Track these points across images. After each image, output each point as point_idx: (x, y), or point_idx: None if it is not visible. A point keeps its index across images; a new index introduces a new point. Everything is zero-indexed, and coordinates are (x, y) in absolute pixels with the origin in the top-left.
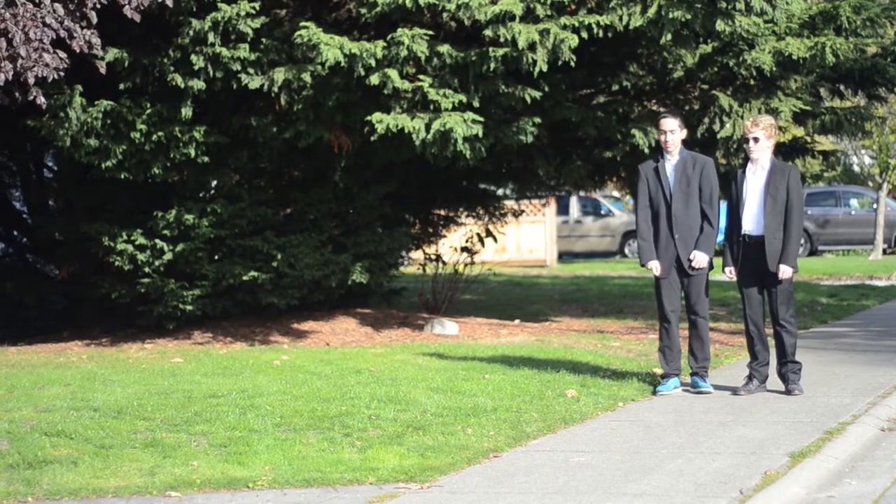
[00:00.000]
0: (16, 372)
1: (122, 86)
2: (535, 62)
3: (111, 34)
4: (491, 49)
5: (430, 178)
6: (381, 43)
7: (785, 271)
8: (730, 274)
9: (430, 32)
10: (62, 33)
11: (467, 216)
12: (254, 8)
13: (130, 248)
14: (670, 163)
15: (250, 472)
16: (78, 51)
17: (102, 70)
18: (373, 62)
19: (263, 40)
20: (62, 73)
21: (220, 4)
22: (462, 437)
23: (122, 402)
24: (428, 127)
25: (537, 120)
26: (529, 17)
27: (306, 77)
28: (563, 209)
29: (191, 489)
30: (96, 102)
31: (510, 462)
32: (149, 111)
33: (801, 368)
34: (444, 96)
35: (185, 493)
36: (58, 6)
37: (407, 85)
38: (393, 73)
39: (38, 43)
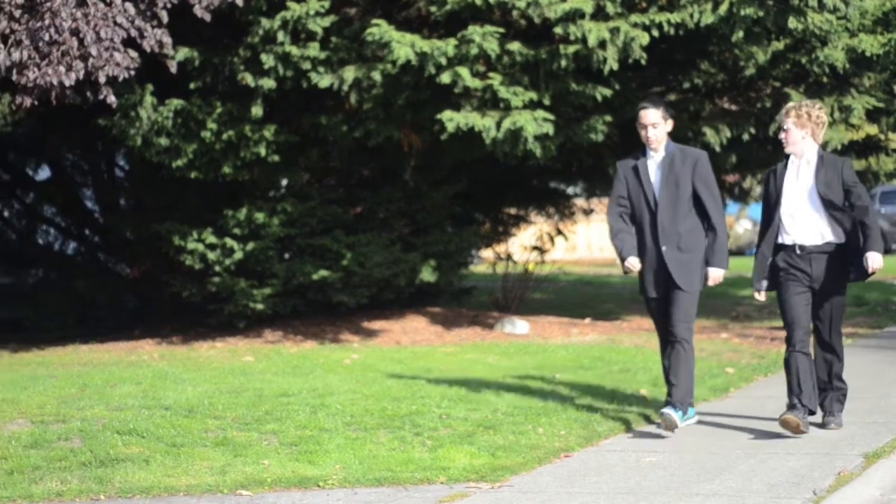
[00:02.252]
0: (88, 370)
1: (192, 85)
2: (605, 60)
3: (181, 33)
4: (561, 47)
5: (499, 177)
6: (452, 41)
7: (875, 258)
8: (758, 296)
9: (501, 30)
10: (133, 33)
11: (537, 215)
12: (323, 7)
13: (201, 247)
14: (654, 160)
15: (321, 471)
16: (149, 50)
17: (173, 69)
18: (444, 60)
19: (333, 39)
20: (133, 73)
21: (289, 3)
22: (533, 437)
23: (193, 401)
24: (499, 125)
25: (608, 118)
26: (600, 14)
27: (376, 76)
28: None
29: (262, 488)
30: (167, 102)
31: (581, 462)
32: (219, 110)
33: (846, 394)
34: (514, 94)
35: (255, 491)
36: (129, 6)
37: (478, 83)
38: (464, 72)
39: (109, 42)
